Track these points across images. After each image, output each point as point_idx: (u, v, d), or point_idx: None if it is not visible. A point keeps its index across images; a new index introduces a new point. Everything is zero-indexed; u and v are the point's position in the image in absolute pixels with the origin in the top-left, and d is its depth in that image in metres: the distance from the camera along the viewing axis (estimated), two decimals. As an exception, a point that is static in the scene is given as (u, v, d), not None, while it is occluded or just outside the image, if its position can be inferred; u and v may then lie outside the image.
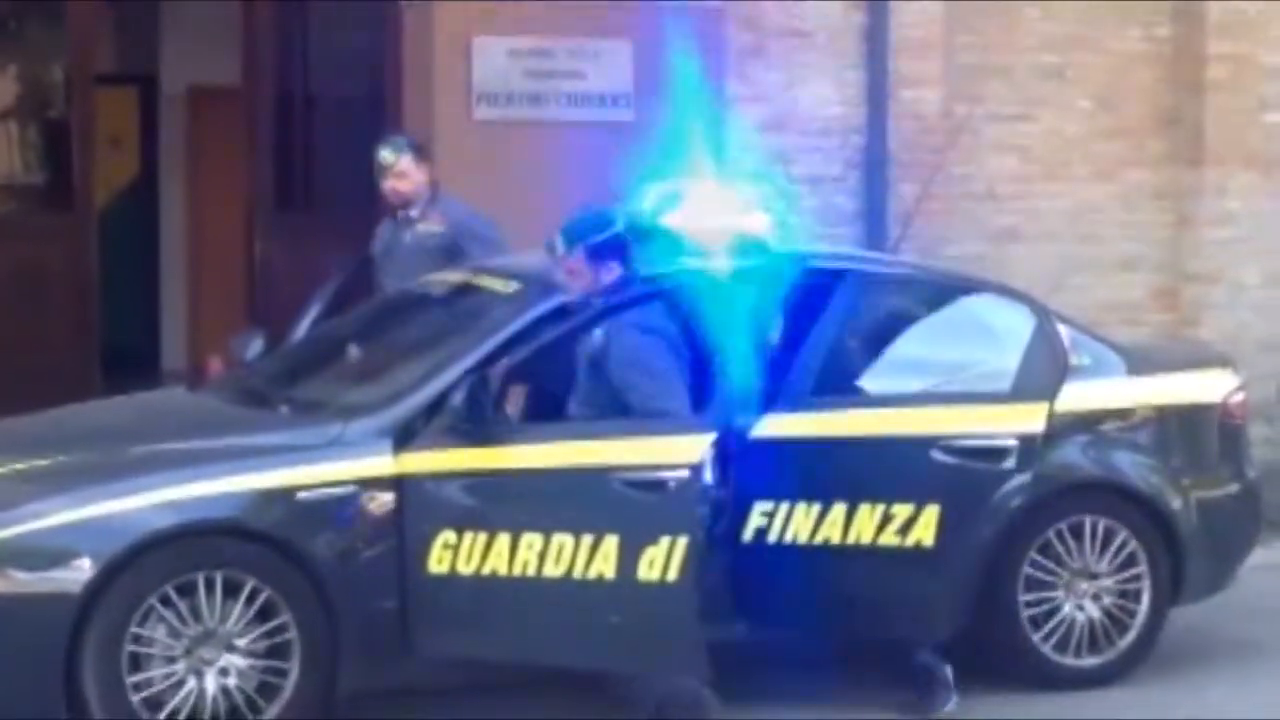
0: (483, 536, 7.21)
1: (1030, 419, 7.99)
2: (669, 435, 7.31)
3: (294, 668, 7.11)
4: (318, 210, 12.48)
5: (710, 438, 7.37)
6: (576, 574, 7.21)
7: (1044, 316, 8.35)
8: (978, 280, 8.78)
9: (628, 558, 7.19)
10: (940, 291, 8.48)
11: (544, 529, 7.22)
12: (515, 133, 11.25)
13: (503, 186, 10.71)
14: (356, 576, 7.18)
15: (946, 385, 8.14)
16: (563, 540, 7.22)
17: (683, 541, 7.18)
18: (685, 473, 7.22)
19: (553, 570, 7.21)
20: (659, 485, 7.24)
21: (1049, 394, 8.08)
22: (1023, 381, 8.11)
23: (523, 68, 11.42)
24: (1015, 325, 8.29)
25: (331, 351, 8.51)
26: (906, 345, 8.31)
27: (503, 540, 7.21)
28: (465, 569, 7.22)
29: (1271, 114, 12.16)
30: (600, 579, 7.21)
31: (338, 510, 7.18)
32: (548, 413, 7.88)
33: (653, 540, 7.19)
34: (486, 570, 7.22)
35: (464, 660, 7.48)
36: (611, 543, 7.21)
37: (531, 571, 7.21)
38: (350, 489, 7.18)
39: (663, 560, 7.18)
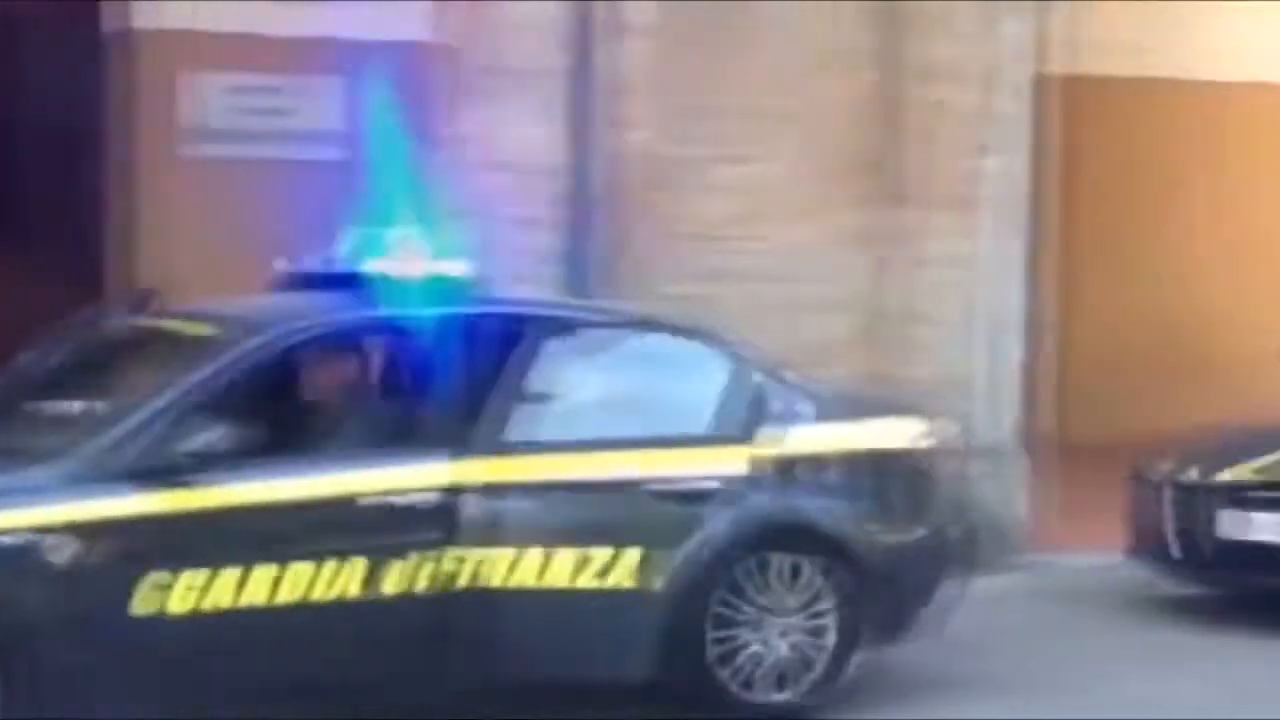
0: (203, 572, 7.34)
1: (729, 461, 8.26)
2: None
3: None
4: (22, 243, 12.31)
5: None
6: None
7: (740, 360, 8.54)
8: (673, 322, 8.94)
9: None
10: (636, 335, 8.68)
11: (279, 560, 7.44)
12: (223, 170, 11.20)
13: (209, 225, 10.69)
14: (52, 626, 7.17)
15: (645, 429, 8.35)
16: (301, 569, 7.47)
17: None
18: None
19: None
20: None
21: (747, 437, 8.31)
22: (720, 424, 8.37)
23: (231, 104, 11.38)
24: (711, 368, 8.50)
25: (22, 395, 8.44)
26: (603, 390, 8.50)
27: (229, 574, 7.36)
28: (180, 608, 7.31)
29: (969, 158, 12.44)
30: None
31: (19, 558, 7.15)
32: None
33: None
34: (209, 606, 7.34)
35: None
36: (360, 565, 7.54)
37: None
38: (31, 536, 7.16)
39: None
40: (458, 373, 8.05)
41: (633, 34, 11.72)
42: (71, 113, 12.17)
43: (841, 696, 8.65)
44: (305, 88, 11.55)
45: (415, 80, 11.29)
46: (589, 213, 11.60)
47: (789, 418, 8.60)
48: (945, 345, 12.33)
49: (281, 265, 8.74)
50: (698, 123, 11.95)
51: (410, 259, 8.27)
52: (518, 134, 11.57)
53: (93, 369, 8.39)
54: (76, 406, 8.02)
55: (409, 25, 11.81)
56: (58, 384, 8.36)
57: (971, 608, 10.49)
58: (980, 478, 12.03)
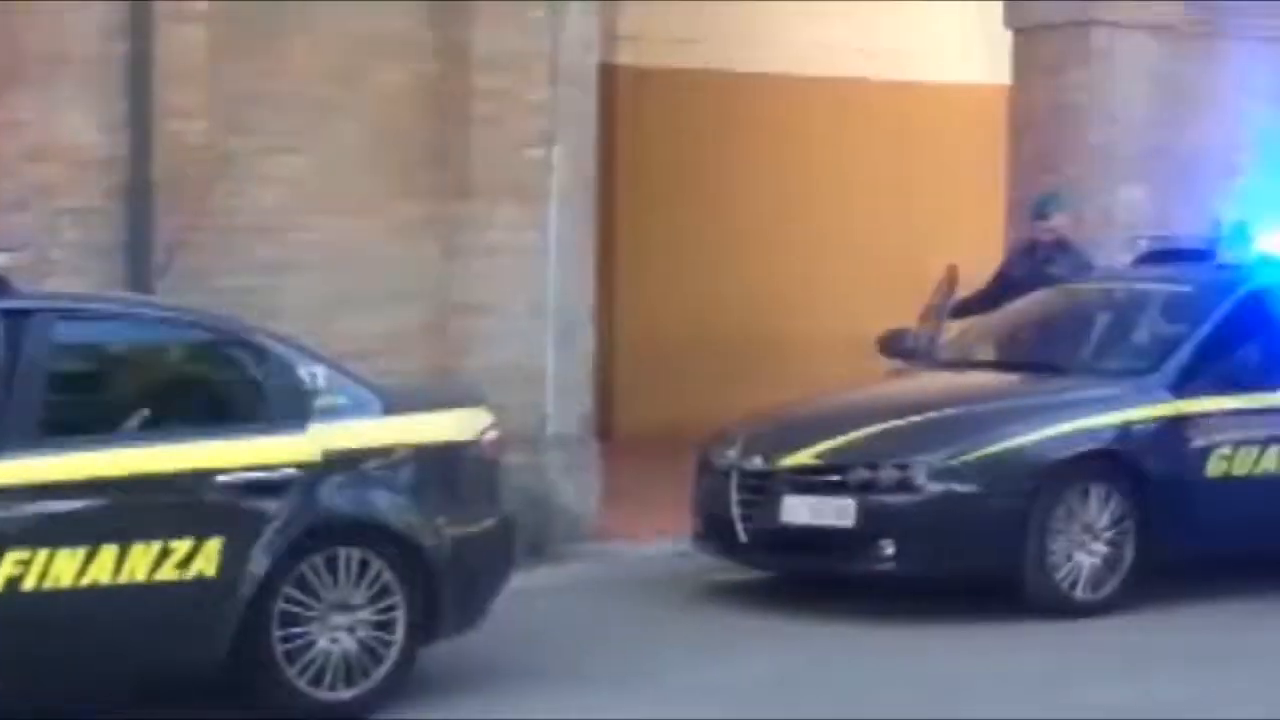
0: None
1: (291, 455, 8.21)
2: None
3: None
4: None
5: None
6: None
7: (297, 353, 8.45)
8: (215, 317, 8.76)
9: None
10: (174, 330, 8.56)
11: None
12: None
13: None
14: None
15: (196, 424, 8.25)
16: None
17: None
18: None
19: None
20: None
21: (307, 430, 8.25)
22: (280, 418, 8.29)
23: None
24: (263, 362, 8.41)
25: None
26: (143, 385, 8.43)
27: None
28: None
29: (534, 149, 12.46)
30: None
31: None
32: None
33: None
34: None
35: None
36: None
37: None
38: None
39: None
40: None
41: (189, 21, 11.44)
42: None
43: (413, 690, 8.60)
44: None
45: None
46: (147, 204, 11.29)
47: (352, 411, 8.51)
48: (514, 336, 12.32)
49: None
50: (255, 112, 11.74)
51: None
52: (71, 122, 11.21)
53: None
54: None
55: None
56: None
57: (543, 598, 10.64)
58: (552, 469, 12.17)
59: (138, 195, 11.29)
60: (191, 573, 7.94)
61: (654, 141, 17.47)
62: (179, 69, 11.44)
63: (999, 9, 15.37)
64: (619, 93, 16.51)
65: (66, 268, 10.96)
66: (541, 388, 12.35)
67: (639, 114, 17.22)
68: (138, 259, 11.23)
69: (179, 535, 7.92)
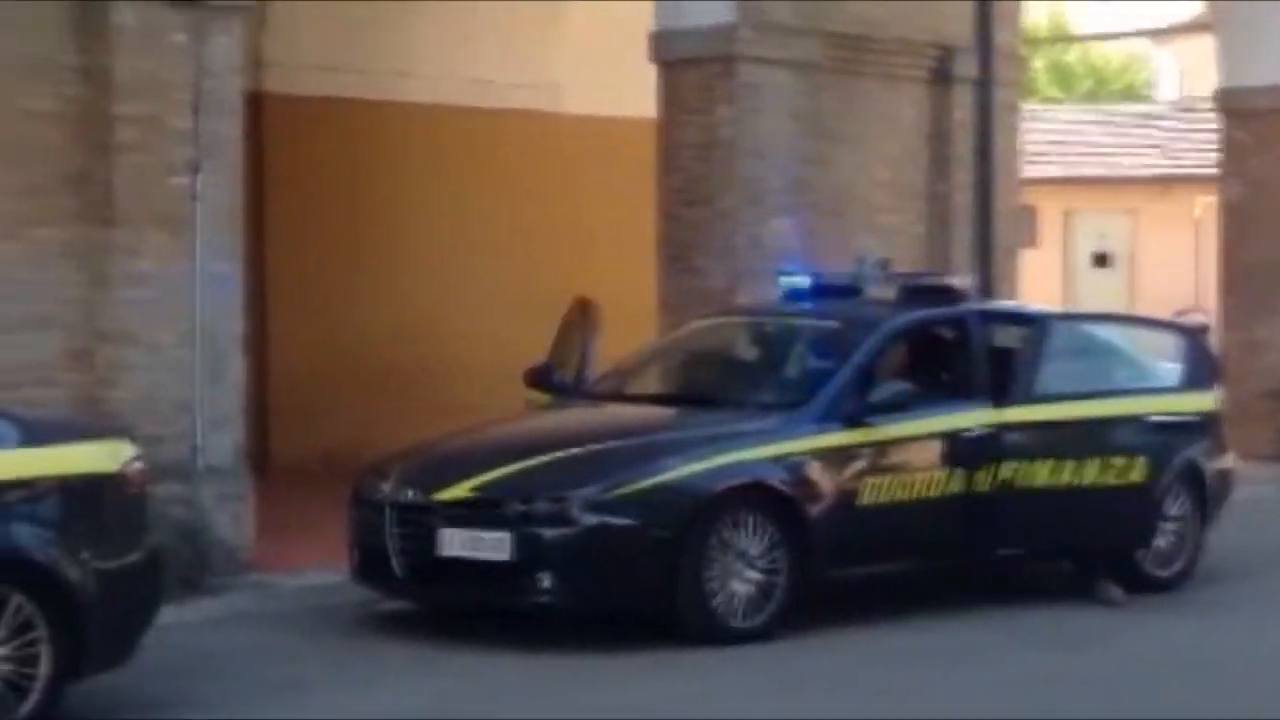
0: None
1: None
2: None
3: None
4: None
5: None
6: None
7: None
8: None
9: None
10: None
11: None
12: None
13: None
14: None
15: None
16: None
17: None
18: None
19: None
20: None
21: None
22: None
23: None
24: None
25: None
26: None
27: None
28: None
29: (179, 176, 12.20)
30: None
31: None
32: None
33: None
34: None
35: None
36: None
37: None
38: None
39: None
40: None
41: None
42: None
43: None
44: None
45: None
46: None
47: None
48: (163, 366, 12.08)
49: None
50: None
51: None
52: None
53: None
54: None
55: None
56: None
57: (197, 631, 10.46)
58: (206, 500, 11.93)
59: None
60: None
61: (304, 170, 17.31)
62: None
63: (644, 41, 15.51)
64: (267, 120, 16.31)
65: None
66: (192, 418, 12.12)
67: (288, 142, 17.04)
68: None
69: None
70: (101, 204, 12.04)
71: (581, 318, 12.49)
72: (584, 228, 18.76)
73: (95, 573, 8.41)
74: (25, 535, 8.28)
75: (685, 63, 15.28)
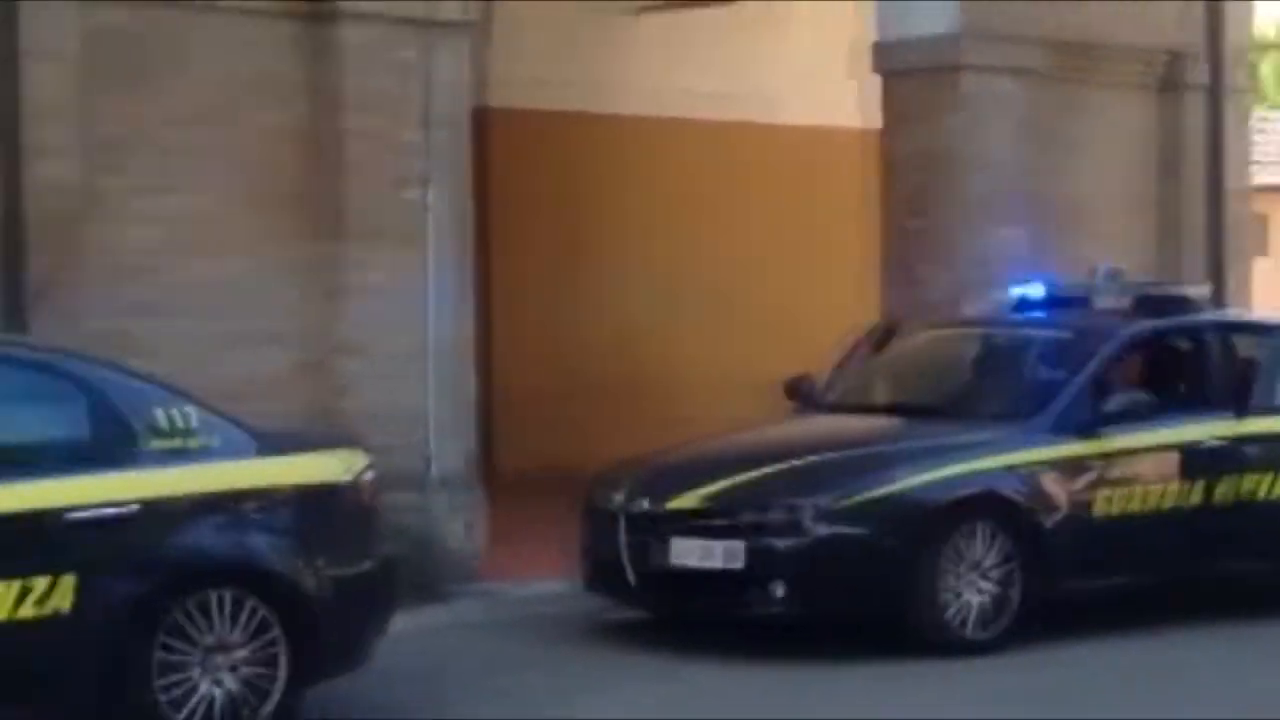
0: None
1: (161, 494, 8.19)
2: None
3: None
4: None
5: None
6: None
7: (165, 395, 8.46)
8: (78, 358, 8.68)
9: None
10: (49, 371, 8.43)
11: None
12: None
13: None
14: None
15: (63, 461, 8.18)
16: None
17: None
18: None
19: None
20: None
21: (181, 472, 8.23)
22: (149, 461, 8.24)
23: None
24: (119, 401, 8.34)
25: None
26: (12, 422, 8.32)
27: None
28: None
29: (408, 190, 12.32)
30: None
31: None
32: None
33: None
34: None
35: None
36: None
37: None
38: None
39: None
40: None
41: (57, 60, 11.23)
42: None
43: None
44: None
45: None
46: (17, 244, 11.07)
47: (226, 452, 8.45)
48: (394, 378, 12.19)
49: None
50: (127, 152, 11.56)
51: None
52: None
53: None
54: None
55: None
56: None
57: (429, 638, 10.53)
58: (437, 509, 12.04)
59: (8, 234, 11.06)
60: (49, 609, 7.87)
61: (527, 184, 17.43)
62: (48, 107, 11.22)
63: (868, 53, 15.43)
64: (490, 134, 16.44)
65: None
66: (424, 429, 12.24)
67: (511, 156, 17.16)
68: (9, 298, 11.01)
69: (34, 573, 7.85)
70: (332, 218, 12.20)
71: (881, 335, 12.52)
72: (802, 239, 18.70)
73: (329, 580, 8.54)
74: (261, 543, 8.43)
75: (908, 73, 15.17)
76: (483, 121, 15.91)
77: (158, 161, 11.71)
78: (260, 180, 12.06)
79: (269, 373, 11.84)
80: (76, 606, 7.89)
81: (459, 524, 12.25)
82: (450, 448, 12.34)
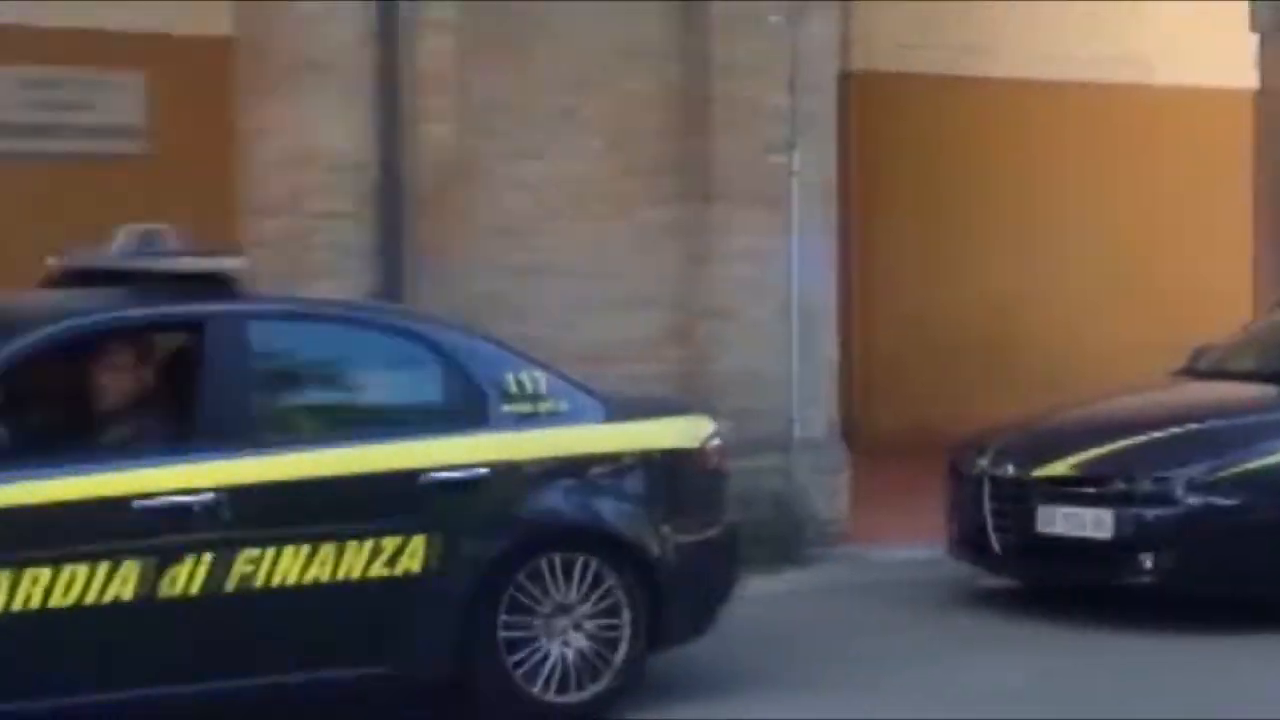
0: None
1: (516, 459, 8.28)
2: None
3: None
4: None
5: None
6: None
7: (520, 360, 8.53)
8: (432, 322, 8.86)
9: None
10: (397, 334, 8.54)
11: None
12: (14, 165, 10.88)
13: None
14: None
15: (421, 422, 8.32)
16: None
17: None
18: None
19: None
20: None
21: (533, 435, 8.33)
22: (503, 423, 8.33)
23: (22, 98, 11.06)
24: (469, 366, 8.41)
25: None
26: (366, 386, 8.56)
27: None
28: None
29: (775, 154, 12.41)
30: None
31: None
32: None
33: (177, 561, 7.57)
34: None
35: None
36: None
37: None
38: None
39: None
40: (225, 370, 7.95)
41: (437, 29, 11.52)
42: None
43: (648, 694, 8.59)
44: (100, 82, 11.23)
45: (217, 75, 11.07)
46: (399, 208, 11.39)
47: (574, 417, 8.51)
48: (758, 342, 12.30)
49: (54, 261, 8.51)
50: (502, 118, 11.82)
51: (182, 255, 8.12)
52: (324, 129, 11.32)
53: None
54: None
55: (210, 20, 11.54)
56: None
57: (784, 603, 10.60)
58: (801, 473, 12.13)
59: (389, 200, 11.39)
60: (399, 570, 7.97)
61: (891, 148, 17.35)
62: (426, 75, 11.52)
63: (1243, 10, 15.07)
64: (853, 97, 16.42)
65: (323, 271, 11.06)
66: (787, 393, 12.32)
67: (873, 119, 17.12)
68: (391, 262, 11.32)
69: (386, 534, 7.96)
70: (700, 183, 12.33)
71: None
72: (1177, 204, 18.34)
73: (676, 546, 8.56)
74: (609, 508, 8.47)
75: (1282, 32, 14.79)
76: (848, 86, 15.93)
77: (531, 127, 11.97)
78: (630, 145, 12.24)
79: (638, 336, 12.04)
80: (427, 568, 7.98)
81: (822, 488, 12.31)
82: (814, 411, 12.42)
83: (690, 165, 12.34)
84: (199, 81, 11.10)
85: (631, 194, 12.26)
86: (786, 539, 11.75)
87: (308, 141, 11.30)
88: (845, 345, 13.41)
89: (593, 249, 12.11)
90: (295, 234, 11.16)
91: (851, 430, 13.64)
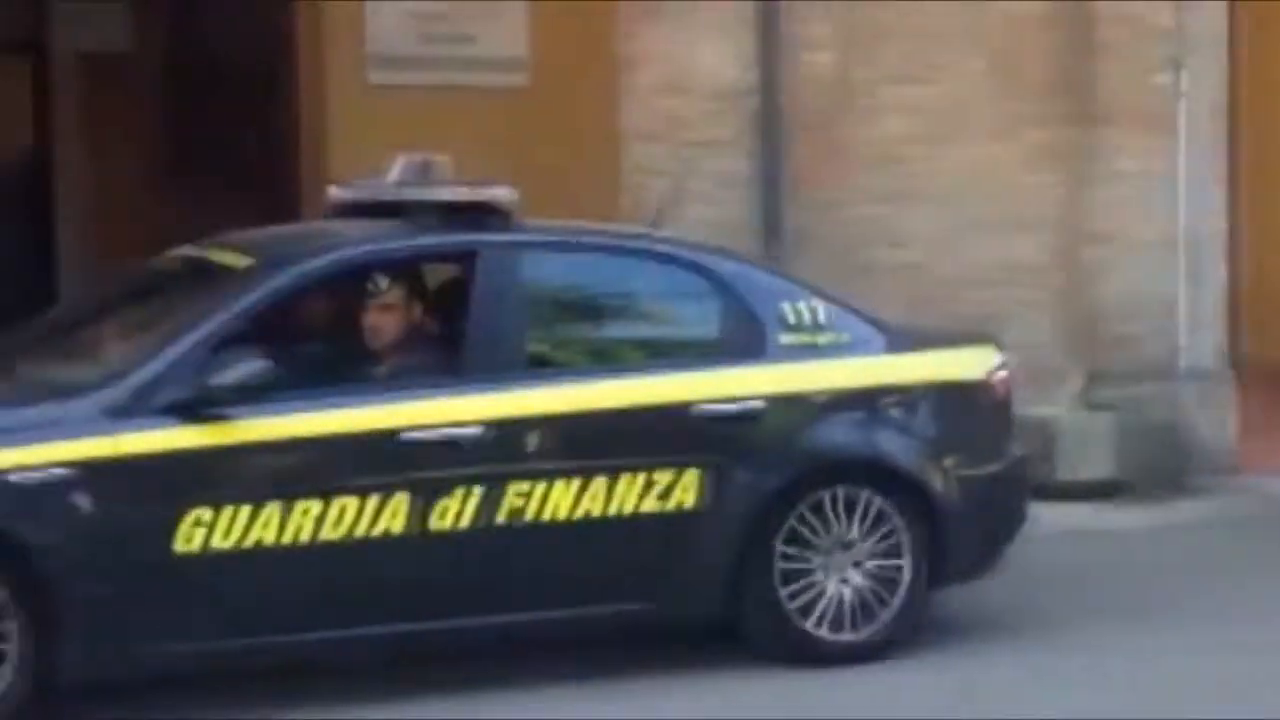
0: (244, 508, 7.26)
1: (796, 390, 8.10)
2: None
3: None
4: (213, 178, 12.38)
5: None
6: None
7: (800, 290, 8.36)
8: (710, 253, 8.51)
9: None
10: (674, 264, 8.33)
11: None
12: (409, 97, 11.14)
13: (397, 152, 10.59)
14: (81, 560, 7.06)
15: (693, 355, 8.21)
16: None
17: None
18: None
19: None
20: None
21: (814, 367, 8.15)
22: (784, 354, 8.16)
23: (417, 31, 11.33)
24: (766, 297, 8.25)
25: (65, 329, 8.31)
26: (641, 317, 8.45)
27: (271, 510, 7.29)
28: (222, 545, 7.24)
29: (1162, 75, 12.16)
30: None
31: (52, 494, 7.05)
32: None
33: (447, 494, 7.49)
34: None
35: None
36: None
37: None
38: (65, 471, 7.06)
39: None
40: (499, 302, 7.86)
41: (816, -48, 11.51)
42: (260, 49, 12.15)
43: (935, 634, 8.35)
44: (490, 13, 11.45)
45: (598, 3, 11.21)
46: (776, 135, 11.42)
47: (856, 348, 8.33)
48: (1143, 267, 12.08)
49: (335, 191, 8.53)
50: (882, 43, 11.74)
51: (457, 186, 8.07)
52: (704, 56, 11.40)
53: (138, 302, 8.27)
54: (116, 340, 7.89)
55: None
56: (102, 318, 8.24)
57: (1170, 534, 10.34)
58: (1186, 401, 11.89)
59: (768, 127, 11.41)
60: (672, 505, 7.84)
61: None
62: (807, 2, 11.51)
63: None
64: (1240, 14, 15.93)
65: (701, 199, 11.16)
66: (1173, 319, 12.08)
67: (1264, 36, 16.56)
68: (770, 190, 11.35)
69: (660, 467, 7.82)
70: (1083, 104, 12.12)
71: None
72: None
73: (959, 480, 8.31)
74: (889, 441, 8.25)
75: None
76: (1237, 3, 15.45)
77: (909, 51, 11.88)
78: (1010, 67, 12.07)
79: (1018, 259, 11.90)
80: (701, 502, 7.83)
81: (1209, 416, 12.05)
82: (1200, 338, 12.16)
83: (1075, 86, 12.13)
84: (579, 10, 11.24)
85: (1012, 116, 12.10)
86: (1172, 469, 11.52)
87: (687, 69, 11.39)
88: (1234, 270, 13.09)
89: (974, 173, 11.98)
90: (673, 162, 11.26)
91: (1239, 359, 13.32)
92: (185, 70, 12.60)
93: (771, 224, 11.06)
